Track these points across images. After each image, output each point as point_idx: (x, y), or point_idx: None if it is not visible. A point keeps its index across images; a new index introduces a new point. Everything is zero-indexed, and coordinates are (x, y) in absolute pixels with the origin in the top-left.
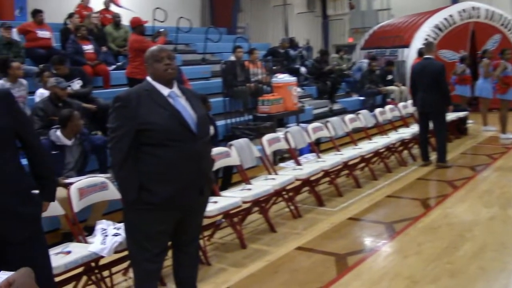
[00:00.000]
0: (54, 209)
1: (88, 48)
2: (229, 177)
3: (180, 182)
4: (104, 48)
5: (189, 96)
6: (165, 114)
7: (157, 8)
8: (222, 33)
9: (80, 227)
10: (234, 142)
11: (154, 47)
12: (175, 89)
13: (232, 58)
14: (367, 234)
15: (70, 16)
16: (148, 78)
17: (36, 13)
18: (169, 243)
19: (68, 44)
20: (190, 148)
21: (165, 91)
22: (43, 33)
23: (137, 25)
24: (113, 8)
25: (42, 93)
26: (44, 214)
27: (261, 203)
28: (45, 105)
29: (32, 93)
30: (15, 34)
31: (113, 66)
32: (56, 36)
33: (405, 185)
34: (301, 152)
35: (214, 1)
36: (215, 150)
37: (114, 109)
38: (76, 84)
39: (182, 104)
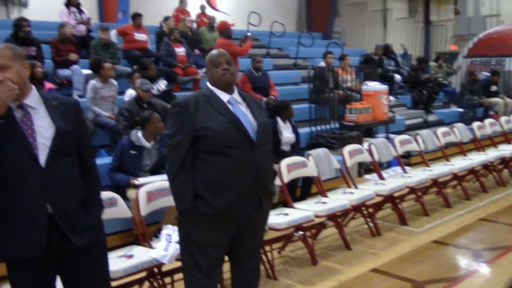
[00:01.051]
0: (122, 211)
1: (180, 50)
2: (308, 187)
3: (237, 193)
4: (196, 51)
5: (250, 103)
6: (223, 120)
7: (252, 12)
8: (316, 38)
9: (146, 230)
10: (312, 152)
11: (213, 52)
12: (236, 95)
13: (322, 63)
14: (452, 261)
15: (166, 19)
16: (208, 84)
17: (136, 16)
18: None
19: (161, 46)
20: (249, 157)
21: (224, 96)
22: (140, 36)
23: (224, 29)
24: (209, 11)
25: (131, 93)
26: (113, 216)
27: (337, 218)
28: (130, 106)
29: (123, 93)
30: (113, 36)
31: (204, 69)
32: (152, 38)
33: (502, 208)
34: (390, 164)
35: (311, 5)
36: (292, 160)
37: (172, 115)
38: (161, 85)
39: (242, 111)
